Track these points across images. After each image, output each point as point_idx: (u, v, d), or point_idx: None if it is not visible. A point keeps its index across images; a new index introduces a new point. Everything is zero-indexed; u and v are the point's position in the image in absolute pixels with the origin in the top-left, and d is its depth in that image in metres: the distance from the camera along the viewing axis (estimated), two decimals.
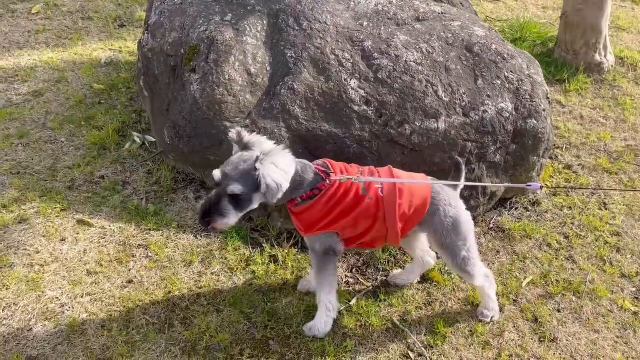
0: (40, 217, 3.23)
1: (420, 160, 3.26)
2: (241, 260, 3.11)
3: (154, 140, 3.85)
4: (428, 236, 2.81)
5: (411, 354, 2.71)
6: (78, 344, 2.57)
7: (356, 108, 3.25)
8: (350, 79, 3.30)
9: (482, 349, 2.73)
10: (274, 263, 3.11)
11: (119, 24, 5.29)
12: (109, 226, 3.24)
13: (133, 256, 3.07)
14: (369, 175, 2.59)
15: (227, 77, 3.30)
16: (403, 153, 3.25)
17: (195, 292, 2.91)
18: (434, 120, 3.24)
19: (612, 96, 4.73)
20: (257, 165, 2.31)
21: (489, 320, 2.86)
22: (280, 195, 2.36)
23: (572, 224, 3.52)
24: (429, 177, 2.75)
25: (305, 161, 2.58)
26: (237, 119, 3.27)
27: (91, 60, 4.71)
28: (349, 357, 2.66)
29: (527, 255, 3.28)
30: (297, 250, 3.19)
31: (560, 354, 2.72)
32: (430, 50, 3.43)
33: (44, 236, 3.11)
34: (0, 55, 4.69)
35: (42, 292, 2.80)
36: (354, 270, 3.17)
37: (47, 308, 2.73)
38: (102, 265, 2.99)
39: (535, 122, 3.38)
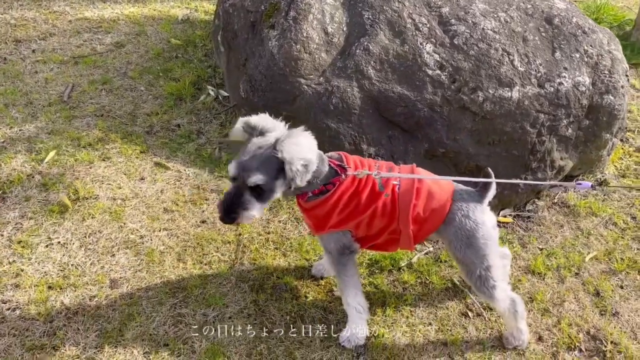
0: (122, 156, 3.43)
1: (490, 129, 3.26)
2: None
3: (227, 94, 3.99)
4: (445, 246, 2.62)
5: (470, 314, 2.77)
6: (156, 272, 2.76)
7: (430, 72, 3.28)
8: (426, 43, 3.32)
9: (542, 315, 2.76)
10: None
11: None
12: (184, 170, 3.41)
13: (206, 199, 3.23)
14: (387, 171, 2.35)
15: (304, 34, 3.38)
16: (474, 120, 3.27)
17: (264, 237, 3.05)
18: (507, 89, 3.23)
19: None
20: (278, 147, 2.10)
21: (511, 347, 2.59)
22: (309, 176, 2.14)
23: None
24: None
25: (320, 152, 2.33)
26: (312, 76, 3.36)
27: (169, 16, 4.88)
28: (408, 309, 2.75)
29: (592, 232, 3.26)
30: None
31: (620, 328, 2.72)
32: (509, 20, 3.41)
33: (125, 174, 3.31)
34: (85, 7, 4.93)
35: (124, 224, 3.00)
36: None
37: (128, 238, 2.92)
38: (177, 205, 3.16)
39: (612, 98, 3.32)
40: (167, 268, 2.79)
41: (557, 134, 3.32)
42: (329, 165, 2.31)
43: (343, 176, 2.29)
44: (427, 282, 2.91)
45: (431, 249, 3.10)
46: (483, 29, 3.34)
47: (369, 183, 2.31)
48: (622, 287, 2.95)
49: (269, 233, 3.08)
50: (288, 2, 3.46)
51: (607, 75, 3.32)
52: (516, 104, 3.23)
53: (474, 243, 2.34)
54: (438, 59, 3.30)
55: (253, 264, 2.89)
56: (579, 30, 3.43)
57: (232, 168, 2.15)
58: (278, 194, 2.22)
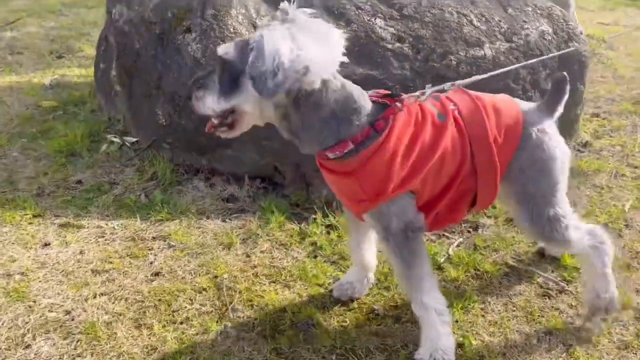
0: (7, 225, 2.36)
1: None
2: (292, 235, 2.40)
3: (135, 139, 3.12)
4: (508, 185, 1.78)
5: (551, 292, 2.09)
6: (108, 350, 1.71)
7: (389, 46, 2.79)
8: (374, 19, 2.87)
9: (626, 271, 2.18)
10: (335, 232, 2.43)
11: (57, 55, 4.60)
12: (106, 224, 2.42)
13: (150, 249, 2.27)
14: (434, 100, 1.72)
15: (231, 30, 2.75)
16: (454, 87, 2.79)
17: (250, 272, 2.15)
18: (477, 48, 2.85)
19: (598, 60, 4.68)
20: (261, 24, 1.51)
21: (602, 311, 1.91)
22: (277, 81, 1.38)
23: (634, 155, 3.17)
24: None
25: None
26: None
27: (31, 85, 3.95)
28: (477, 308, 2.00)
29: (609, 185, 2.85)
30: None
31: None
32: None
33: (16, 244, 2.24)
34: None
35: (33, 302, 1.92)
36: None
37: (46, 318, 1.85)
38: (111, 263, 2.16)
39: (577, 44, 3.09)
40: (123, 341, 1.75)
41: (539, 88, 2.96)
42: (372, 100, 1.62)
43: (399, 105, 1.58)
44: (480, 273, 2.20)
45: (461, 239, 2.43)
46: None
47: (426, 114, 1.63)
48: None
49: (254, 267, 2.19)
50: (201, 1, 2.83)
51: (564, 24, 3.11)
52: (492, 62, 2.84)
53: (552, 168, 1.75)
54: (394, 31, 2.84)
55: (250, 306, 1.97)
56: None
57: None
58: (245, 95, 1.46)
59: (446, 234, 2.48)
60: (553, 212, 1.76)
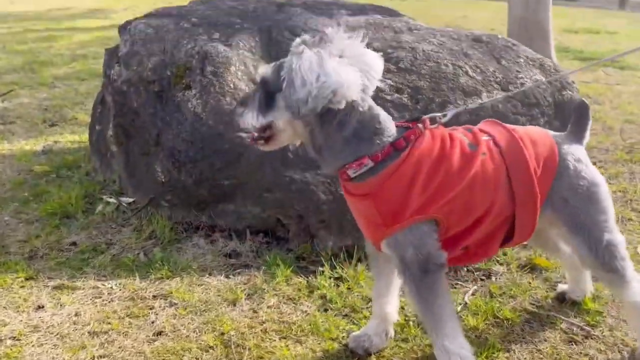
0: None
1: None
2: (300, 289, 2.29)
3: (131, 200, 3.04)
4: (547, 214, 1.73)
5: (577, 338, 1.99)
6: None
7: (388, 97, 2.81)
8: None
9: None
10: (344, 284, 2.33)
11: (50, 124, 4.57)
12: (103, 285, 2.29)
13: (150, 308, 2.14)
14: (466, 131, 1.70)
15: (232, 85, 2.76)
16: None
17: (259, 329, 2.02)
18: (475, 97, 2.88)
19: None
20: (293, 49, 1.52)
21: None
22: (307, 107, 1.44)
23: (637, 200, 3.16)
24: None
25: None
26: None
27: (24, 152, 3.89)
28: (503, 356, 1.88)
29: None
30: (365, 267, 2.44)
31: None
32: (442, 42, 3.19)
33: (7, 308, 2.10)
34: None
35: None
36: None
37: None
38: (109, 324, 2.02)
39: (571, 93, 3.14)
40: None
41: None
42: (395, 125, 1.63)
43: (420, 126, 1.58)
44: (500, 320, 2.10)
45: (475, 287, 2.33)
46: (424, 50, 3.06)
47: (455, 142, 1.60)
48: None
49: (263, 323, 2.06)
50: (200, 59, 2.85)
51: (555, 73, 3.18)
52: (491, 110, 2.86)
53: (598, 194, 1.73)
54: (392, 83, 2.87)
55: None
56: (509, 44, 3.33)
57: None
58: (281, 112, 1.53)
59: (459, 282, 2.39)
60: (609, 238, 1.72)
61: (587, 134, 1.81)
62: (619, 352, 1.90)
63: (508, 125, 1.75)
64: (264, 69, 1.61)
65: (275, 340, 1.96)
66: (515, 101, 2.94)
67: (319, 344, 1.95)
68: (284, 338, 1.98)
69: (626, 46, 8.76)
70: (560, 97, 3.12)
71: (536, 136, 1.72)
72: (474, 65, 3.04)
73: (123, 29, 3.29)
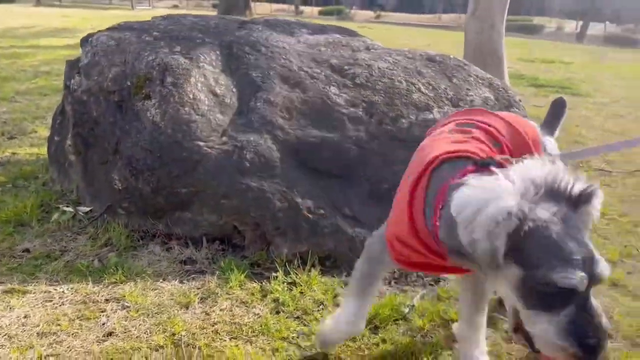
0: None
1: None
2: (253, 293, 2.33)
3: (89, 209, 3.03)
4: None
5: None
6: None
7: (344, 110, 2.92)
8: (329, 87, 3.02)
9: None
10: (297, 288, 2.38)
11: (9, 137, 4.52)
12: (55, 289, 2.28)
13: (102, 311, 2.14)
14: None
15: (191, 96, 2.82)
16: (407, 149, 2.89)
17: (210, 329, 2.05)
18: (427, 112, 3.01)
19: None
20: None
21: None
22: None
23: None
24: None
25: None
26: (212, 137, 2.73)
27: None
28: (446, 354, 1.96)
29: None
30: (318, 272, 2.49)
31: None
32: (397, 61, 3.33)
33: None
34: None
35: None
36: (392, 282, 2.54)
37: None
38: (59, 325, 2.01)
39: (517, 110, 3.31)
40: None
41: None
42: None
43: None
44: (446, 321, 2.18)
45: (424, 291, 2.42)
46: (379, 67, 3.19)
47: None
48: None
49: (214, 324, 2.09)
50: (161, 70, 2.91)
51: (504, 92, 3.35)
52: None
53: None
54: (348, 97, 2.98)
55: None
56: (461, 63, 3.50)
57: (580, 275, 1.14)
58: None
59: (409, 286, 2.47)
60: None
61: (559, 127, 1.93)
62: None
63: (501, 114, 1.82)
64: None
65: (225, 340, 1.99)
66: None
67: (269, 343, 1.99)
68: (235, 338, 2.01)
69: (578, 75, 9.20)
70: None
71: (525, 123, 1.81)
72: (426, 83, 3.18)
73: (85, 41, 3.33)
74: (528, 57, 11.89)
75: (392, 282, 2.53)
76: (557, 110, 1.99)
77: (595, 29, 31.48)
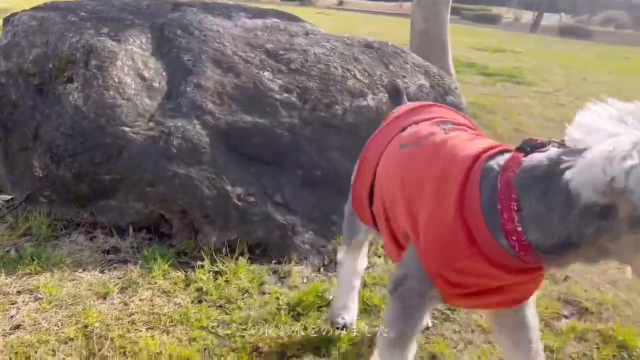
0: None
1: (360, 141, 2.88)
2: (176, 283, 2.28)
3: (9, 197, 2.90)
4: None
5: (436, 321, 2.10)
6: None
7: (277, 96, 2.88)
8: (263, 72, 2.96)
9: None
10: (222, 277, 2.33)
11: None
12: None
13: (13, 303, 2.05)
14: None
15: (116, 80, 2.72)
16: (340, 135, 2.89)
17: (126, 320, 1.99)
18: (361, 98, 3.00)
19: (479, 123, 5.05)
20: None
21: None
22: None
23: None
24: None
25: None
26: (138, 122, 2.64)
27: None
28: (366, 340, 1.96)
29: None
30: (247, 260, 2.46)
31: None
32: (334, 47, 3.30)
33: None
34: None
35: None
36: (321, 269, 2.53)
37: None
38: None
39: (453, 98, 3.34)
40: None
41: None
42: None
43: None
44: (369, 307, 2.18)
45: None
46: (315, 53, 3.15)
47: None
48: None
49: (131, 315, 2.03)
50: (85, 52, 2.79)
51: (440, 80, 3.37)
52: (375, 111, 2.99)
53: None
54: (282, 83, 2.94)
55: (122, 353, 1.80)
56: (398, 50, 3.50)
57: None
58: None
59: (335, 273, 2.46)
60: None
61: None
62: (471, 331, 2.02)
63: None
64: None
65: (141, 331, 1.94)
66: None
67: (187, 333, 1.95)
68: (151, 328, 1.96)
69: (526, 64, 9.40)
70: (442, 102, 3.29)
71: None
72: (362, 69, 3.17)
73: (6, 21, 3.16)
74: (481, 46, 12.08)
75: (321, 269, 2.52)
76: (394, 95, 2.11)
77: (551, 19, 32.36)
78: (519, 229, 1.19)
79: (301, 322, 2.05)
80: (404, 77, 3.23)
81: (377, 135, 1.77)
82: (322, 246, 2.66)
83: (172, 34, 3.10)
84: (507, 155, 1.30)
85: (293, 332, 1.98)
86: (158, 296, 2.18)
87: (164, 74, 2.91)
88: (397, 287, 1.41)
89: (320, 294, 2.20)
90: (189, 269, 2.38)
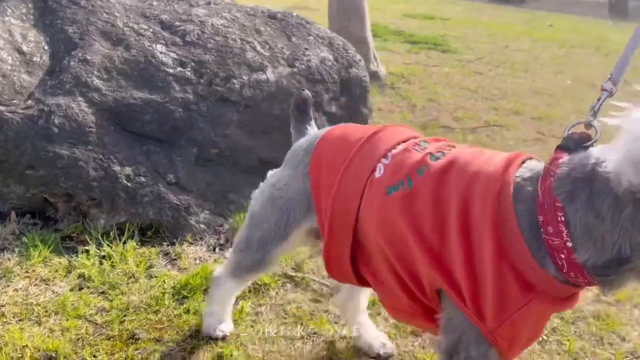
0: None
1: (259, 116, 2.86)
2: (57, 270, 2.18)
3: None
4: None
5: (323, 297, 2.12)
6: None
7: (171, 70, 2.76)
8: (155, 45, 2.83)
9: None
10: (108, 261, 2.26)
11: None
12: None
13: None
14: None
15: None
16: (238, 110, 2.82)
17: None
18: (261, 72, 2.93)
19: (396, 93, 5.10)
20: None
21: None
22: None
23: None
24: None
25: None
26: (15, 101, 2.49)
27: None
28: (249, 320, 1.95)
29: None
30: (137, 243, 2.39)
31: None
32: (235, 18, 3.19)
33: None
34: None
35: None
36: (216, 249, 2.49)
37: None
38: None
39: (357, 70, 3.32)
40: None
41: (324, 111, 3.12)
42: None
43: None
44: (258, 286, 2.17)
45: None
46: (213, 24, 3.04)
47: None
48: None
49: (1, 307, 1.93)
50: None
51: (344, 52, 3.34)
52: (275, 85, 2.93)
53: None
54: (175, 56, 2.82)
55: None
56: (303, 21, 3.43)
57: None
58: None
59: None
60: None
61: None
62: None
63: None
64: None
65: (11, 324, 1.85)
66: (300, 77, 3.04)
67: (61, 322, 1.87)
68: (22, 320, 1.87)
69: (453, 32, 9.51)
70: (346, 75, 3.29)
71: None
72: (263, 42, 3.09)
73: None
74: (411, 13, 12.11)
75: (217, 249, 2.49)
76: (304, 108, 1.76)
77: None
78: (569, 244, 1.02)
79: (185, 305, 2.01)
80: (307, 49, 3.18)
81: (341, 184, 1.39)
82: (218, 225, 2.62)
83: (55, 4, 2.90)
84: (534, 163, 1.16)
85: (175, 315, 1.95)
86: (35, 285, 2.08)
87: (46, 47, 2.73)
88: (453, 356, 1.20)
89: (208, 276, 2.16)
90: (75, 255, 2.29)
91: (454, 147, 1.32)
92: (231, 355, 1.75)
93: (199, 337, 1.85)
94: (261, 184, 1.70)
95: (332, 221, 1.38)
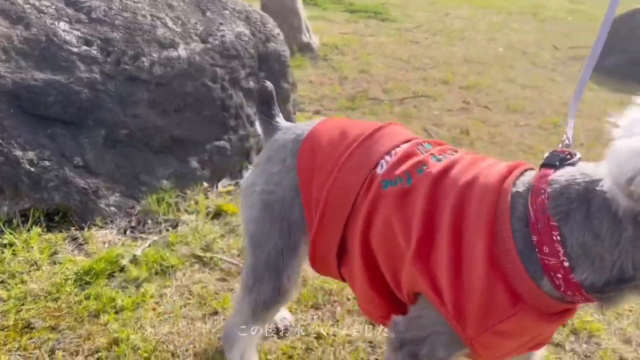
0: None
1: (171, 94, 2.81)
2: None
3: None
4: None
5: (231, 276, 2.14)
6: None
7: (75, 50, 2.67)
8: (58, 22, 2.72)
9: None
10: (9, 249, 2.21)
11: None
12: None
13: None
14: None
15: None
16: (148, 89, 2.76)
17: None
18: (172, 49, 2.86)
19: (328, 65, 5.08)
20: None
21: None
22: None
23: None
24: None
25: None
26: None
27: None
28: (152, 302, 1.96)
29: None
30: (43, 229, 2.34)
31: None
32: None
33: None
34: None
35: None
36: (127, 231, 2.46)
37: None
38: None
39: (275, 45, 3.29)
40: None
41: (241, 87, 3.08)
42: None
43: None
44: (165, 268, 2.17)
45: (155, 238, 2.38)
46: (121, 0, 2.94)
47: None
48: None
49: None
50: None
51: (262, 26, 3.29)
52: (187, 62, 2.87)
53: None
54: (80, 34, 2.72)
55: None
56: None
57: None
58: None
59: (143, 234, 2.42)
60: None
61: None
62: None
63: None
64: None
65: None
66: (214, 53, 2.99)
67: None
68: None
69: (394, 0, 9.49)
70: (264, 49, 3.25)
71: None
72: (175, 17, 3.01)
73: None
74: None
75: (128, 231, 2.46)
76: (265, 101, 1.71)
77: None
78: (566, 264, 1.01)
79: (87, 291, 2.00)
80: (222, 24, 3.12)
81: (339, 177, 1.35)
82: (130, 207, 2.59)
83: None
84: (533, 175, 1.13)
85: (75, 302, 1.94)
86: None
87: None
88: (404, 346, 1.20)
89: (114, 260, 2.15)
90: None
91: (456, 151, 1.32)
92: (127, 339, 1.76)
93: (96, 322, 1.84)
94: (242, 200, 1.55)
95: (324, 213, 1.34)
